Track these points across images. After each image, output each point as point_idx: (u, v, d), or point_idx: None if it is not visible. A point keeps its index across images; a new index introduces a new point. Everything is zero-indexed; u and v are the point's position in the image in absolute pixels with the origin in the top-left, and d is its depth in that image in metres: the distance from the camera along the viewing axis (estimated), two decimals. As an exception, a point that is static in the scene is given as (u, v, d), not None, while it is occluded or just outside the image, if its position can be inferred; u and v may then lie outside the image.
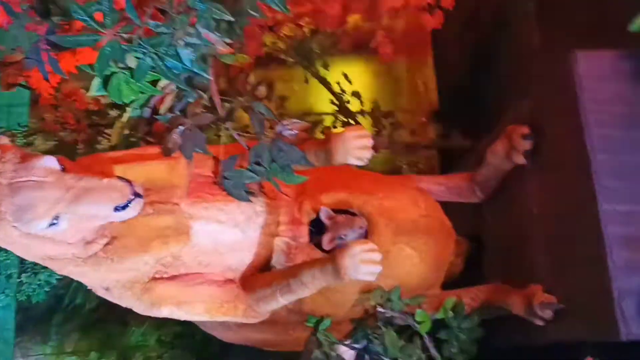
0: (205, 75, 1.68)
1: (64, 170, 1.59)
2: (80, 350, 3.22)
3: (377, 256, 1.74)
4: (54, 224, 1.57)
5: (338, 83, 3.19)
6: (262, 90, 2.81)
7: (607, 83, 1.77)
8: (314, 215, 1.98)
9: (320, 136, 3.17)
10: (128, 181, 1.64)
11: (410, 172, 3.17)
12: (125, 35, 1.59)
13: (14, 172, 1.55)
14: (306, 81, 3.29)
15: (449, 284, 2.28)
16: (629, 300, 1.60)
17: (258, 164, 1.74)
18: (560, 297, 1.86)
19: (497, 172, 2.16)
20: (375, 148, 3.14)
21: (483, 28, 2.84)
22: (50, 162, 1.59)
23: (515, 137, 2.02)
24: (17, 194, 1.53)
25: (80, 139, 2.37)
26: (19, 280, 2.97)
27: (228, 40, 1.69)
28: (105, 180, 1.60)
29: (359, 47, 3.34)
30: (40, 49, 1.88)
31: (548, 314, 1.87)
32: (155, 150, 1.82)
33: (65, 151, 2.39)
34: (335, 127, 3.19)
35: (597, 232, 1.69)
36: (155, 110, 1.90)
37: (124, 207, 1.61)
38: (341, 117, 3.18)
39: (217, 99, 1.76)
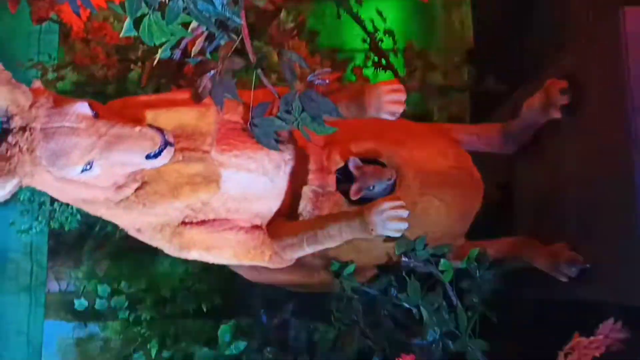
0: (236, 19, 1.65)
1: (96, 116, 1.60)
2: (111, 276, 3.33)
3: (404, 213, 1.74)
4: (86, 169, 1.59)
5: (372, 20, 3.10)
6: (291, 26, 2.74)
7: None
8: (342, 164, 1.98)
9: (352, 77, 3.12)
10: (160, 130, 1.64)
11: (441, 116, 3.12)
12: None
13: (48, 117, 1.56)
14: (338, 17, 3.19)
15: (475, 233, 2.28)
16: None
17: (288, 112, 1.73)
18: (587, 257, 1.85)
19: (532, 125, 2.11)
20: (407, 90, 3.11)
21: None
22: (83, 108, 1.59)
23: (553, 91, 1.96)
24: (51, 139, 1.55)
25: (111, 74, 2.37)
26: (52, 208, 3.05)
27: (261, -15, 1.65)
28: (138, 128, 1.60)
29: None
30: None
31: (573, 271, 1.87)
32: (185, 95, 1.81)
33: (95, 86, 2.39)
34: (366, 66, 3.13)
35: (632, 197, 1.66)
36: (185, 53, 1.88)
37: (155, 156, 1.62)
38: (373, 56, 3.10)
39: (248, 44, 1.72)
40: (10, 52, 3.04)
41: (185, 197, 1.75)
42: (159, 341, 2.81)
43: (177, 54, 1.85)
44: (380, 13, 3.13)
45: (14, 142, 1.55)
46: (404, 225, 1.75)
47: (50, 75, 2.47)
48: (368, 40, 3.10)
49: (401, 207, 1.74)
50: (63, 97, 1.67)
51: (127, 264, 3.34)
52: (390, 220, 1.73)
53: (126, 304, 2.95)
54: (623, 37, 1.66)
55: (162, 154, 1.63)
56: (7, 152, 1.55)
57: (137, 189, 1.73)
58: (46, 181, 1.62)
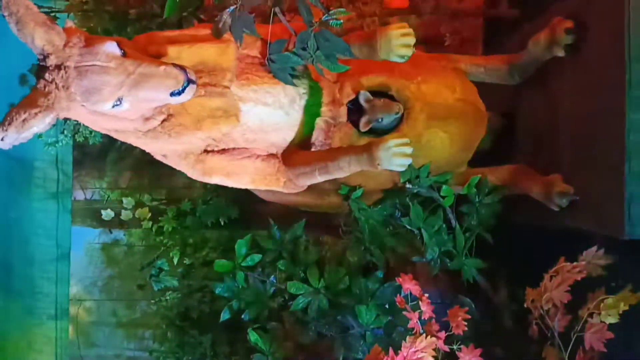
0: (256, -43, 1.72)
1: (124, 55, 1.71)
2: (133, 187, 3.52)
3: (408, 150, 1.87)
4: (117, 104, 1.72)
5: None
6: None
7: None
8: (353, 96, 2.09)
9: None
10: (183, 68, 1.74)
11: (453, 40, 3.17)
12: None
13: (80, 56, 1.68)
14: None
15: (477, 159, 2.41)
16: (637, 205, 1.74)
17: (304, 49, 1.83)
18: (577, 189, 2.00)
19: (537, 60, 2.19)
20: (420, 13, 3.14)
21: None
22: (112, 47, 1.69)
23: (558, 30, 2.04)
24: (85, 77, 1.67)
25: (132, 2, 2.43)
26: (77, 122, 3.19)
27: None
28: (162, 68, 1.71)
29: None
30: None
31: (564, 202, 2.03)
32: (206, 31, 1.90)
33: (117, 16, 2.46)
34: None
35: (620, 138, 1.79)
36: (207, -14, 1.96)
37: (179, 93, 1.73)
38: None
39: (266, -19, 1.80)
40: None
41: (207, 129, 1.89)
42: (180, 250, 3.04)
43: (199, -10, 1.93)
44: None
45: (50, 79, 1.68)
46: (407, 161, 1.88)
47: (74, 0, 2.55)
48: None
49: (406, 144, 1.87)
50: (93, 36, 1.78)
51: (147, 176, 3.52)
52: (395, 156, 1.86)
53: (149, 215, 3.15)
54: (627, -15, 1.73)
55: (186, 90, 1.74)
56: (45, 88, 1.69)
57: (163, 121, 1.87)
58: (81, 114, 1.77)
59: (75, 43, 1.69)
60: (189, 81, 1.74)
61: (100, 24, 2.82)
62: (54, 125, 3.26)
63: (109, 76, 1.67)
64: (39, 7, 2.85)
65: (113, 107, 1.72)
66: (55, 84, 1.68)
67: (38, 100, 1.68)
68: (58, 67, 1.68)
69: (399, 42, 1.82)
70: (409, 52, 1.84)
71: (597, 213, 1.90)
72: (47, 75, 1.69)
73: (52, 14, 2.85)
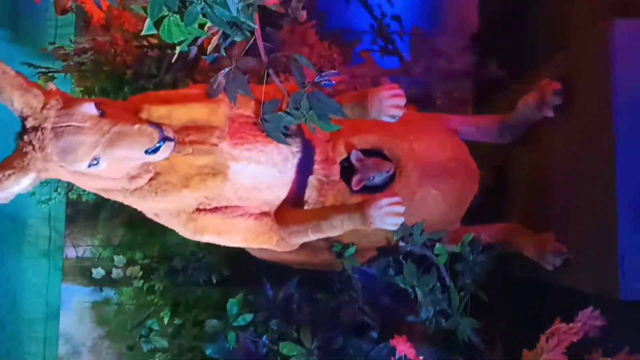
0: (251, 23, 1.76)
1: (102, 115, 1.73)
2: (125, 244, 3.49)
3: (400, 209, 1.88)
4: (93, 164, 1.74)
5: (380, 6, 3.19)
6: (302, 14, 2.83)
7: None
8: (346, 155, 2.11)
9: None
10: (159, 126, 1.77)
11: (444, 99, 3.23)
12: (176, -16, 1.67)
13: (57, 117, 1.71)
14: (347, 1, 3.29)
15: (469, 215, 2.41)
16: (632, 261, 1.73)
17: (297, 109, 1.86)
18: (570, 247, 2.00)
19: (526, 120, 2.23)
20: (412, 74, 3.21)
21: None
22: (89, 108, 1.73)
23: (547, 92, 2.08)
24: (61, 138, 1.70)
25: (129, 60, 2.48)
26: (70, 179, 3.20)
27: (274, -7, 1.75)
28: (137, 126, 1.73)
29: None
30: None
31: (557, 262, 2.02)
32: (200, 91, 1.94)
33: (114, 77, 2.51)
34: (372, 51, 3.22)
35: (612, 194, 1.80)
36: (202, 49, 2.00)
37: (154, 151, 1.75)
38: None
39: (261, 45, 1.84)
40: (31, 37, 3.16)
41: (194, 187, 1.90)
42: (171, 309, 3.00)
43: (194, 50, 1.98)
44: (388, -2, 3.22)
45: (28, 141, 1.71)
46: (400, 221, 1.89)
47: (73, 61, 2.60)
48: (376, 25, 3.20)
49: (398, 203, 1.88)
50: (73, 97, 1.83)
51: (140, 233, 3.49)
52: (387, 216, 1.87)
53: (140, 273, 3.12)
54: (612, 47, 1.78)
55: (161, 148, 1.76)
56: (22, 150, 1.72)
57: (150, 179, 1.88)
58: (62, 174, 1.79)
59: (53, 105, 1.73)
60: (165, 139, 1.76)
61: (97, 83, 2.86)
62: (45, 183, 3.31)
63: (84, 136, 1.70)
64: (36, 67, 2.96)
65: (89, 166, 1.74)
66: (32, 145, 1.71)
67: (14, 161, 1.72)
68: (35, 128, 1.71)
69: (390, 102, 1.86)
70: (399, 112, 1.88)
71: (592, 273, 1.90)
72: (25, 137, 1.73)
73: (50, 74, 2.91)
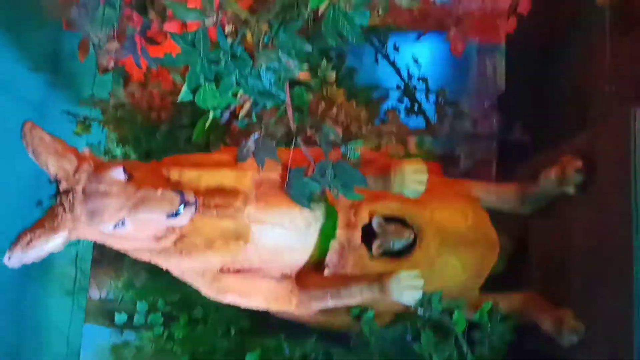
0: (282, 94, 1.84)
1: (129, 179, 1.83)
2: (148, 288, 3.54)
3: (420, 283, 1.92)
4: (119, 226, 1.83)
5: (407, 68, 3.27)
6: (332, 75, 2.93)
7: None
8: (368, 221, 2.16)
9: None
10: (181, 191, 1.85)
11: (467, 162, 3.27)
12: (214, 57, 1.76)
13: (88, 181, 1.82)
14: (376, 61, 3.38)
15: (490, 282, 2.42)
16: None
17: (322, 175, 1.92)
18: (589, 326, 2.00)
19: (547, 193, 2.26)
20: (437, 135, 3.26)
21: (558, 35, 2.82)
22: (117, 173, 1.83)
23: (569, 169, 2.12)
24: (89, 200, 1.80)
25: (163, 116, 2.59)
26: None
27: (306, 66, 1.84)
28: (160, 191, 1.82)
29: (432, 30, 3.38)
30: (136, 41, 2.11)
31: (574, 339, 2.03)
32: (229, 156, 2.02)
33: (148, 128, 2.61)
34: (399, 110, 3.29)
35: (630, 272, 1.82)
36: (234, 113, 2.09)
37: (175, 215, 1.84)
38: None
39: (290, 115, 1.92)
40: (71, 83, 3.31)
41: (218, 250, 1.97)
42: (190, 358, 3.03)
43: (226, 114, 2.06)
44: (415, 60, 3.30)
45: (59, 203, 1.83)
46: (418, 295, 1.93)
47: (110, 114, 2.71)
48: (402, 85, 3.28)
49: (417, 277, 1.92)
50: (104, 162, 1.94)
51: (163, 279, 3.54)
52: (406, 290, 1.91)
53: (161, 320, 3.16)
54: (632, 133, 1.82)
55: (182, 213, 1.84)
56: (54, 211, 1.83)
57: (175, 240, 1.95)
58: (91, 235, 1.89)
59: (85, 169, 1.83)
60: (186, 203, 1.84)
61: (132, 132, 2.98)
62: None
63: (111, 199, 1.79)
64: (75, 115, 3.08)
65: (115, 228, 1.83)
66: (63, 207, 1.82)
67: (46, 222, 1.82)
68: (67, 191, 1.82)
69: (413, 178, 1.91)
70: (422, 188, 1.92)
71: (608, 349, 1.90)
72: (57, 199, 1.84)
73: (87, 123, 3.03)
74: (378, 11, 1.95)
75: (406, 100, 3.33)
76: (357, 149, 1.86)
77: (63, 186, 1.83)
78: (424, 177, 1.93)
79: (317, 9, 1.70)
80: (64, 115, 3.09)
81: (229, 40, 1.74)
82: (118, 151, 3.13)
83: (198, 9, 1.67)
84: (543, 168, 2.28)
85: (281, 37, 1.72)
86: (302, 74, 1.85)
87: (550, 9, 2.74)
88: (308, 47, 1.75)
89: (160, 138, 2.89)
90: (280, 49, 1.74)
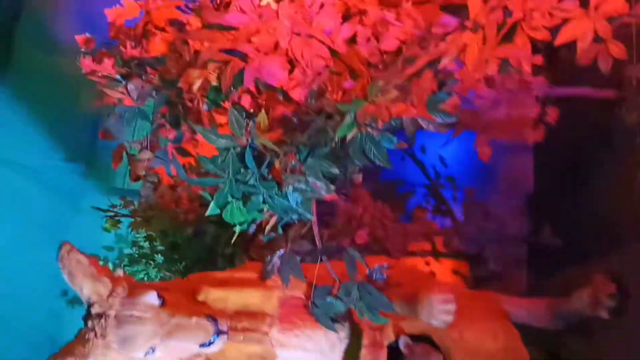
0: (307, 215, 1.84)
1: (162, 304, 1.82)
2: None
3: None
4: (149, 353, 1.81)
5: (434, 167, 3.27)
6: (358, 177, 2.94)
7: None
8: (393, 339, 2.10)
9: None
10: (215, 319, 1.84)
11: (496, 265, 3.20)
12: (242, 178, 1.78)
13: (121, 305, 1.81)
14: (403, 159, 3.39)
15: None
16: None
17: (347, 295, 1.89)
18: None
19: (579, 314, 2.19)
20: (463, 236, 3.21)
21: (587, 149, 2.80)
22: (151, 298, 1.82)
23: (602, 293, 2.07)
24: (122, 326, 1.79)
25: (191, 218, 2.62)
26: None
27: (332, 187, 1.84)
28: (194, 320, 1.81)
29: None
30: (168, 152, 2.15)
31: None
32: (254, 274, 2.01)
33: (175, 230, 2.63)
34: (424, 207, 3.27)
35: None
36: (259, 226, 2.09)
37: (208, 344, 1.82)
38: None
39: (316, 232, 1.91)
40: (103, 176, 3.39)
41: None
42: None
43: (252, 228, 2.07)
44: (442, 159, 3.30)
45: (91, 327, 1.81)
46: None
47: (140, 217, 2.75)
48: (429, 184, 3.27)
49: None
50: (138, 283, 1.95)
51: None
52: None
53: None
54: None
55: (214, 343, 1.82)
56: (85, 336, 1.81)
57: None
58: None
59: (119, 293, 1.84)
60: (219, 332, 1.82)
61: (160, 226, 3.00)
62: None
63: (144, 326, 1.79)
64: (104, 211, 3.12)
65: (146, 355, 1.80)
66: (95, 332, 1.80)
67: (75, 348, 1.80)
68: (99, 315, 1.81)
69: (441, 308, 1.87)
70: (450, 318, 1.87)
71: None
72: (89, 323, 1.83)
73: (116, 218, 3.07)
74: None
75: (432, 200, 3.31)
76: (383, 272, 1.84)
77: (95, 310, 1.82)
78: (452, 307, 1.87)
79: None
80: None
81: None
82: (145, 244, 3.16)
83: (229, 135, 1.70)
84: (575, 284, 2.22)
85: (309, 162, 1.74)
86: (329, 196, 1.85)
87: (580, 121, 2.73)
88: (335, 171, 1.76)
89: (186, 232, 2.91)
90: (308, 172, 1.76)
